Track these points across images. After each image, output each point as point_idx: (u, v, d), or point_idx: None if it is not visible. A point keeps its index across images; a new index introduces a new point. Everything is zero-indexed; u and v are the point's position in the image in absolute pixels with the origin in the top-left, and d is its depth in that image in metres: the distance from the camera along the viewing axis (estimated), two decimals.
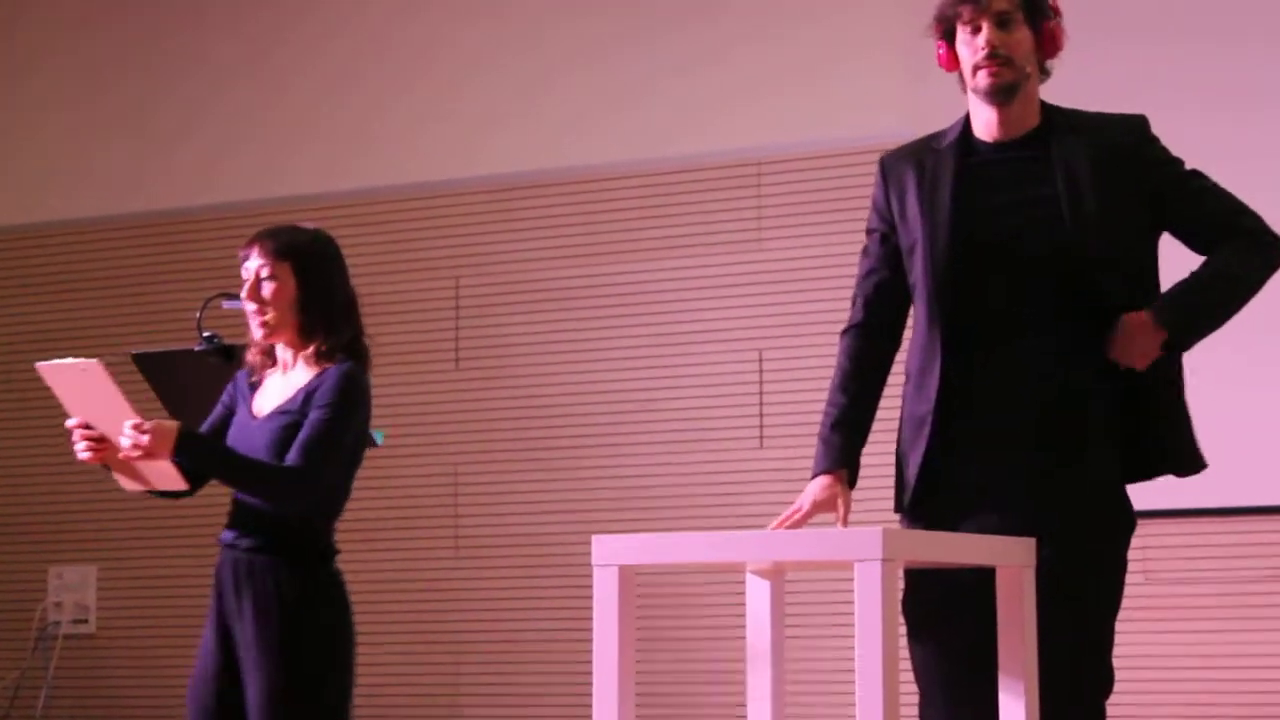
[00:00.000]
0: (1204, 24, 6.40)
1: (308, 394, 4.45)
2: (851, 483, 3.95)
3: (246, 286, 4.51)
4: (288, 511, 4.43)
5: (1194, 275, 3.89)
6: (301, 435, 4.40)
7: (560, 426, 7.44)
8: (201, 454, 4.39)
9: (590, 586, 3.67)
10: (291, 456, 4.38)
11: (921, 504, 3.90)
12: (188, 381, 5.10)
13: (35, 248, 8.42)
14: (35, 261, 8.41)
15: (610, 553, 3.68)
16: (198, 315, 5.26)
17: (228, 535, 4.51)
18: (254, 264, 4.51)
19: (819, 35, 7.17)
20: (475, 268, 7.66)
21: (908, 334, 4.07)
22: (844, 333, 4.06)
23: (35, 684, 8.08)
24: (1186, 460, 3.92)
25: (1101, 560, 3.81)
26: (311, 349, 4.51)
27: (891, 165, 4.04)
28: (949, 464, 3.86)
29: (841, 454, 3.93)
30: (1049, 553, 3.73)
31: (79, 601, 8.15)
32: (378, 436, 5.54)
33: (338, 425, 4.43)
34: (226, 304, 5.66)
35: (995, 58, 3.86)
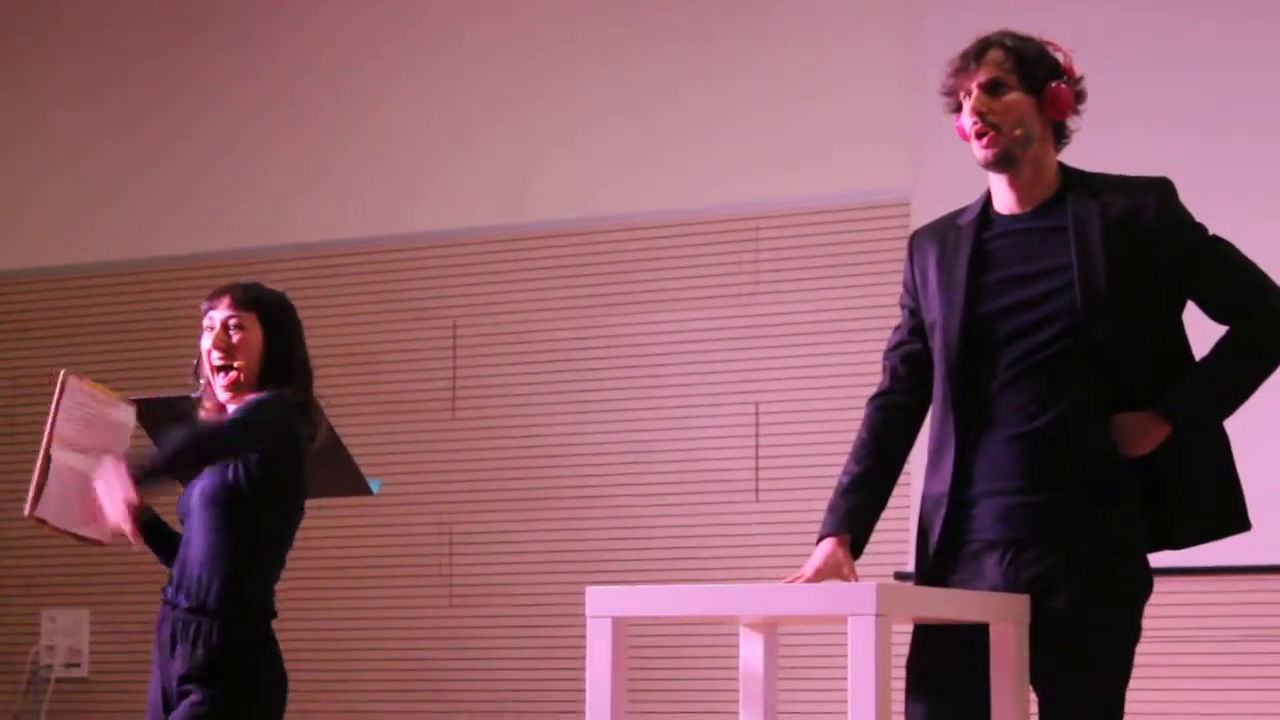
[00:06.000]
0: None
1: None
2: (857, 549, 3.89)
3: (213, 336, 4.44)
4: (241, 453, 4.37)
5: (1204, 362, 3.83)
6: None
7: (555, 477, 7.45)
8: (157, 466, 4.36)
9: (584, 637, 3.68)
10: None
11: (936, 571, 3.86)
12: None
13: (34, 292, 8.42)
14: (35, 306, 8.42)
15: (604, 604, 3.69)
16: (194, 362, 5.27)
17: (169, 591, 4.49)
18: (221, 314, 4.45)
19: (818, 93, 7.20)
20: (472, 315, 7.67)
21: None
22: (870, 400, 4.03)
23: None
24: (1220, 523, 3.86)
25: (1117, 626, 3.77)
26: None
27: (917, 242, 4.01)
28: (966, 537, 3.83)
29: (846, 519, 3.88)
30: (1063, 614, 3.71)
31: (72, 645, 8.14)
32: (374, 485, 5.53)
33: (259, 408, 4.37)
34: None
35: (984, 125, 3.82)
